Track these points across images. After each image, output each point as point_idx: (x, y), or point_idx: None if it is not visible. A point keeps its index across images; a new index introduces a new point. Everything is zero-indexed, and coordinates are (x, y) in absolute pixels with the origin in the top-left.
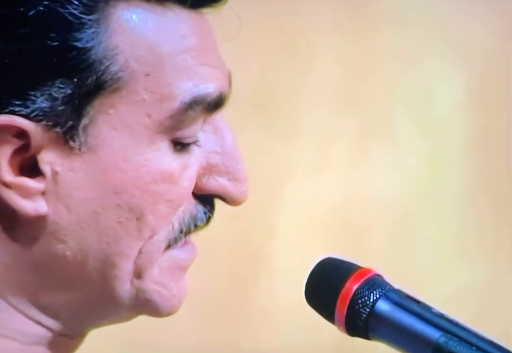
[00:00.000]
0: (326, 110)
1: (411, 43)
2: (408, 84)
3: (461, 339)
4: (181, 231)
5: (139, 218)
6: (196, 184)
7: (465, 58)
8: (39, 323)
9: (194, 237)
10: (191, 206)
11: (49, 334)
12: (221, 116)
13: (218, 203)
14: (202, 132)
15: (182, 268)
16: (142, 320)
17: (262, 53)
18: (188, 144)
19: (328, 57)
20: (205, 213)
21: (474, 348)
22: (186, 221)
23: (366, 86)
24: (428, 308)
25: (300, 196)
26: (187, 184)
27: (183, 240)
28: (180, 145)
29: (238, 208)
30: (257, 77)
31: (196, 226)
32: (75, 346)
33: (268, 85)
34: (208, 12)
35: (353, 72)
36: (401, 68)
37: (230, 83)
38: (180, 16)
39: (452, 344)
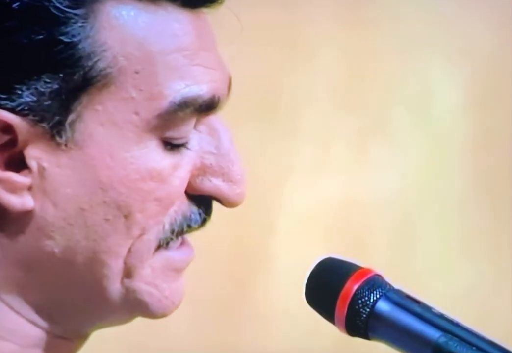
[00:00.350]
0: (326, 110)
1: (412, 43)
2: (409, 84)
3: (461, 339)
4: (172, 232)
5: (127, 216)
6: (190, 184)
7: (465, 58)
8: (34, 323)
9: (193, 238)
10: (184, 207)
11: (45, 336)
12: (217, 117)
13: (217, 204)
14: (197, 132)
15: (176, 270)
16: (141, 320)
17: (262, 52)
18: (178, 145)
19: (328, 57)
20: (199, 214)
21: (474, 348)
22: (178, 221)
23: (366, 86)
24: (428, 308)
25: (300, 196)
26: (178, 183)
27: (176, 241)
28: (170, 145)
29: (238, 208)
30: (257, 77)
31: (189, 227)
32: (74, 350)
33: (267, 85)
34: (207, 12)
35: (353, 72)
36: (401, 68)
37: (229, 87)
38: (173, 15)
39: (452, 344)
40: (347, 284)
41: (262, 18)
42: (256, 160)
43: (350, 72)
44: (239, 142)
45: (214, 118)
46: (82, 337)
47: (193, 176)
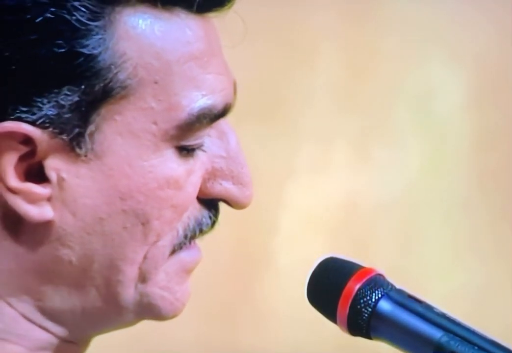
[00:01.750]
0: (327, 109)
1: (413, 43)
2: (409, 84)
3: (463, 338)
4: (186, 237)
5: (145, 223)
6: (201, 188)
7: (467, 58)
8: (44, 328)
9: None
10: (196, 211)
11: (54, 340)
12: (226, 120)
13: (220, 204)
14: (207, 136)
15: (188, 271)
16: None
17: (262, 52)
18: (193, 149)
19: (329, 56)
20: (210, 217)
21: (476, 347)
22: (191, 226)
23: (367, 86)
24: (430, 308)
25: (302, 196)
26: (192, 189)
27: (188, 245)
28: (185, 151)
29: None
30: (258, 77)
31: (201, 230)
32: None
33: (269, 85)
34: (214, 17)
35: (354, 71)
36: (402, 68)
37: (235, 91)
38: (185, 22)
39: (454, 344)
40: (349, 284)
41: (262, 18)
42: (258, 160)
43: (351, 71)
44: (240, 142)
45: (222, 122)
46: (88, 340)
47: (204, 181)
